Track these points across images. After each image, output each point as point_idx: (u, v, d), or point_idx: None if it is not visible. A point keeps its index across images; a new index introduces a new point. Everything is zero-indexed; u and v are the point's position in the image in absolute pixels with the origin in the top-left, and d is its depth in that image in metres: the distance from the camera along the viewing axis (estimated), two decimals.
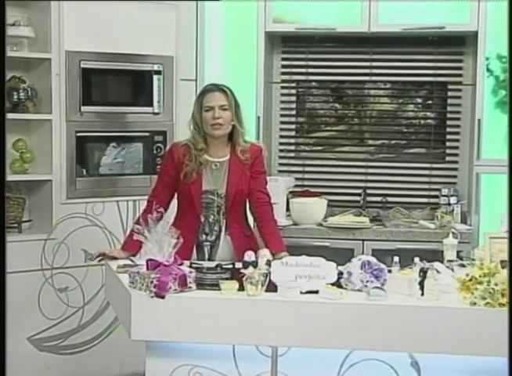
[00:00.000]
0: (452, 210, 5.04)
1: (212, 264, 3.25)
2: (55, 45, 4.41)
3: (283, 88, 5.58)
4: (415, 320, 2.86)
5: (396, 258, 3.30)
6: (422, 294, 2.92)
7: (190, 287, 2.98)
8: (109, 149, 4.67)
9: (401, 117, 5.48)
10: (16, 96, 4.40)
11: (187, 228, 3.44)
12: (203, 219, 3.65)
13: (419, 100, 5.46)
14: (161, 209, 3.20)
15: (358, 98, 5.56)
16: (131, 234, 3.39)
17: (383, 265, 3.09)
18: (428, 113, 5.43)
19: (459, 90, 5.32)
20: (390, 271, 3.16)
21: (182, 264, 3.07)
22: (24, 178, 4.51)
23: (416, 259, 3.20)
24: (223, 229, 3.66)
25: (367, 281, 3.02)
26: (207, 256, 3.67)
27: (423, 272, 2.94)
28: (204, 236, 3.66)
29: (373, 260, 3.09)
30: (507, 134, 4.13)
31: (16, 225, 4.48)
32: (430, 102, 5.44)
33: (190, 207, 3.63)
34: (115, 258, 3.54)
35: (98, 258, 3.62)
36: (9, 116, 4.33)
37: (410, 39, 5.25)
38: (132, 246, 3.47)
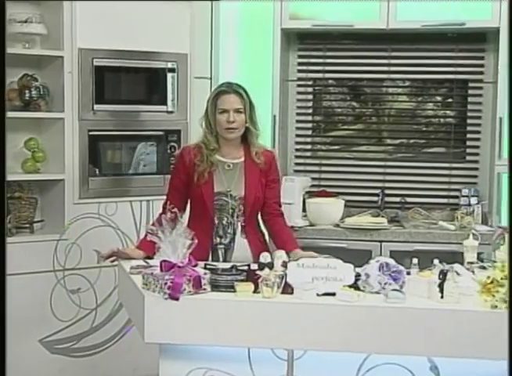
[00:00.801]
0: (473, 211, 5.03)
1: (227, 265, 3.25)
2: (67, 42, 4.43)
3: (299, 86, 5.58)
4: (434, 323, 2.85)
5: (415, 260, 3.29)
6: (442, 297, 2.91)
7: (205, 289, 2.99)
8: (122, 148, 4.68)
9: (420, 116, 5.47)
10: (27, 95, 4.41)
11: (201, 231, 3.39)
12: (216, 222, 3.65)
13: (438, 98, 5.45)
14: (175, 209, 3.19)
15: (376, 96, 5.55)
16: (146, 235, 3.39)
17: (401, 267, 3.08)
18: (448, 112, 5.42)
19: (480, 88, 5.31)
20: (408, 273, 3.15)
21: (196, 265, 3.07)
22: (36, 177, 4.53)
23: (436, 261, 3.19)
24: (238, 231, 3.66)
25: (385, 283, 3.01)
26: (221, 259, 3.67)
27: (443, 275, 2.93)
28: (218, 239, 3.67)
29: (392, 262, 3.09)
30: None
31: (27, 225, 4.51)
32: (450, 100, 5.43)
33: (203, 210, 3.63)
34: (129, 258, 3.54)
35: (110, 259, 3.63)
36: (21, 114, 4.38)
37: (430, 36, 5.24)
38: (148, 246, 3.47)
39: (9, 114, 4.26)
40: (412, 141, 5.49)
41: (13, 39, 4.37)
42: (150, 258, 3.51)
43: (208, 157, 3.63)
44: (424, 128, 5.45)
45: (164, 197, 3.74)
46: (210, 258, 3.64)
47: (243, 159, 3.66)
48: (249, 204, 3.62)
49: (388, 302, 2.90)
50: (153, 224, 3.38)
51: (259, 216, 3.76)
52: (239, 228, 3.65)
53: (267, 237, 3.81)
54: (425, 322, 2.85)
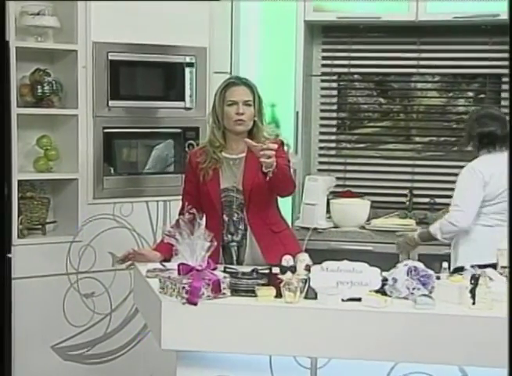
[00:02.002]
0: None
1: (247, 269, 3.26)
2: (81, 35, 4.44)
3: (323, 81, 5.57)
4: (465, 331, 2.84)
5: (445, 264, 3.28)
6: (473, 303, 2.90)
7: (224, 294, 2.99)
8: (138, 146, 4.70)
9: (450, 113, 5.45)
10: (40, 90, 4.43)
11: (211, 229, 3.40)
12: (226, 219, 3.68)
13: (470, 94, 5.43)
14: (193, 210, 3.20)
15: (405, 92, 5.54)
16: (163, 238, 3.42)
17: (431, 272, 3.07)
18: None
19: None
20: (438, 278, 3.14)
21: (215, 268, 3.08)
22: (49, 176, 4.56)
23: (467, 265, 3.18)
24: (248, 226, 3.68)
25: (414, 288, 3.01)
26: (234, 258, 3.69)
27: (475, 280, 2.92)
28: (230, 237, 3.69)
29: (420, 266, 3.08)
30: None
31: (39, 226, 4.53)
32: (482, 96, 5.40)
33: (212, 207, 3.67)
34: (145, 261, 3.56)
35: (127, 263, 3.65)
36: (33, 111, 4.40)
37: (461, 28, 5.22)
38: (165, 249, 3.48)
39: (21, 111, 4.30)
40: (442, 139, 5.47)
41: (25, 32, 4.40)
42: (167, 260, 3.52)
43: (212, 154, 3.67)
44: (455, 126, 5.43)
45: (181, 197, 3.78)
46: (221, 257, 3.66)
47: (245, 154, 3.68)
48: (246, 191, 3.63)
49: (417, 308, 2.89)
50: (171, 228, 3.44)
51: (276, 205, 3.77)
52: (247, 220, 3.67)
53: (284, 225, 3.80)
54: (456, 329, 2.84)
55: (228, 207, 3.67)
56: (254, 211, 3.67)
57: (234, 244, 3.69)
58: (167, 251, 3.47)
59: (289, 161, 3.75)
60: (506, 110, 5.27)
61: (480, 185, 4.19)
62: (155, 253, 3.62)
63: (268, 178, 3.43)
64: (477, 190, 4.20)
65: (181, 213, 3.66)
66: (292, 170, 3.82)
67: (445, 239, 4.29)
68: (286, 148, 3.77)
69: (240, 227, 3.69)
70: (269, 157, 3.34)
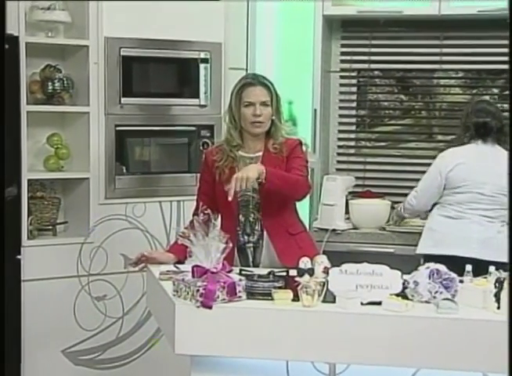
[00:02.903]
0: None
1: (264, 271, 3.26)
2: (93, 30, 4.46)
3: (342, 77, 5.57)
4: (490, 336, 2.83)
5: (469, 267, 3.27)
6: (498, 308, 2.90)
7: (240, 297, 3.00)
8: (151, 144, 4.71)
9: None
10: (50, 87, 4.45)
11: (227, 230, 3.35)
12: (243, 219, 3.69)
13: (495, 91, 5.40)
14: (208, 211, 3.20)
15: (427, 88, 5.52)
16: (177, 239, 3.44)
17: (454, 275, 3.07)
18: (506, 105, 5.36)
19: None
20: (461, 281, 3.13)
21: (230, 271, 3.09)
22: (59, 176, 4.58)
23: (492, 268, 3.17)
24: (264, 228, 3.68)
25: (436, 292, 3.00)
26: (250, 259, 3.69)
27: (500, 283, 2.92)
28: (246, 238, 3.70)
29: (443, 268, 3.07)
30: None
31: (50, 227, 4.55)
32: (507, 92, 5.37)
33: (227, 208, 3.65)
34: (158, 263, 3.57)
35: (139, 266, 3.66)
36: (43, 108, 4.42)
37: (486, 22, 5.19)
38: (179, 250, 3.49)
39: (31, 108, 4.32)
40: None
41: (35, 27, 4.42)
42: (182, 262, 3.53)
43: (229, 153, 3.68)
44: None
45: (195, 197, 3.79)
46: (236, 259, 3.67)
47: (262, 152, 3.69)
48: (263, 192, 3.61)
49: (439, 313, 2.89)
50: (185, 229, 3.44)
51: (293, 206, 3.77)
52: (263, 222, 3.67)
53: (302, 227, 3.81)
54: (479, 334, 2.84)
55: (244, 207, 3.68)
56: (270, 211, 3.67)
57: (250, 245, 3.70)
58: (181, 253, 3.48)
59: (306, 162, 3.75)
60: None
61: (439, 171, 4.43)
62: (168, 255, 3.63)
63: (263, 186, 3.48)
64: (435, 176, 4.44)
65: (195, 214, 3.66)
66: (309, 170, 3.81)
67: (409, 215, 4.79)
68: (304, 148, 3.77)
69: (257, 228, 3.69)
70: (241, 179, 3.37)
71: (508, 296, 2.83)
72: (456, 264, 4.15)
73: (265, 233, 3.68)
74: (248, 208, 3.68)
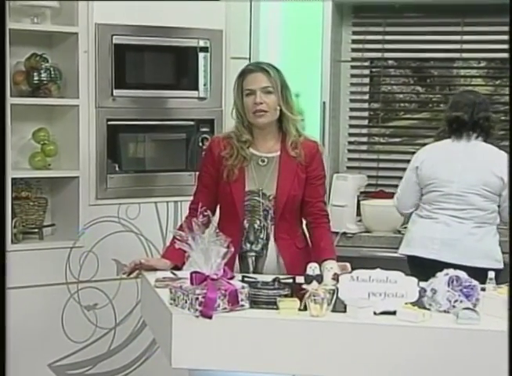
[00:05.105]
0: None
1: (268, 278, 3.26)
2: (82, 16, 4.46)
3: (353, 67, 5.59)
4: None
5: (491, 274, 3.27)
6: None
7: (242, 306, 3.00)
8: (146, 140, 4.72)
9: (497, 103, 5.44)
10: (36, 78, 4.46)
11: (228, 235, 3.29)
12: (247, 225, 3.67)
13: None
14: (208, 212, 3.21)
15: (446, 79, 5.54)
16: (173, 241, 3.42)
17: (475, 282, 3.07)
18: None
19: None
20: (483, 289, 3.14)
21: (232, 278, 3.09)
22: (46, 174, 4.58)
23: (491, 274, 3.18)
24: (271, 237, 3.67)
25: (455, 301, 3.01)
26: (251, 269, 3.68)
27: None
28: (249, 246, 3.68)
29: (463, 275, 3.08)
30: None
31: (36, 230, 4.55)
32: None
33: (232, 211, 3.65)
34: (153, 270, 3.57)
35: (133, 274, 3.66)
36: (29, 101, 4.42)
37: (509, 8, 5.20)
38: (175, 255, 3.49)
39: (15, 101, 4.32)
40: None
41: (20, 13, 4.42)
42: (179, 268, 3.54)
43: (239, 150, 3.65)
44: (503, 117, 5.41)
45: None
46: (237, 267, 3.66)
47: (279, 153, 3.68)
48: (280, 203, 3.62)
49: (459, 323, 2.89)
50: (179, 228, 3.47)
51: (300, 218, 3.78)
52: (273, 232, 3.67)
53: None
54: (502, 346, 2.83)
55: (250, 212, 3.65)
56: (282, 222, 3.66)
57: (252, 253, 3.68)
58: (177, 258, 3.49)
59: (324, 171, 3.77)
60: None
61: (411, 168, 4.55)
62: (165, 261, 3.62)
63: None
64: (409, 173, 4.56)
65: (191, 208, 3.71)
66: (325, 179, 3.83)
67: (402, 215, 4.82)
68: (322, 151, 3.77)
69: (261, 236, 3.67)
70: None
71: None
72: (416, 265, 4.23)
73: (272, 243, 3.66)
74: (254, 214, 3.65)
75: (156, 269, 3.56)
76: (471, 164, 4.34)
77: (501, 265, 4.23)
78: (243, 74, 3.67)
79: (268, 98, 3.60)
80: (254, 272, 3.64)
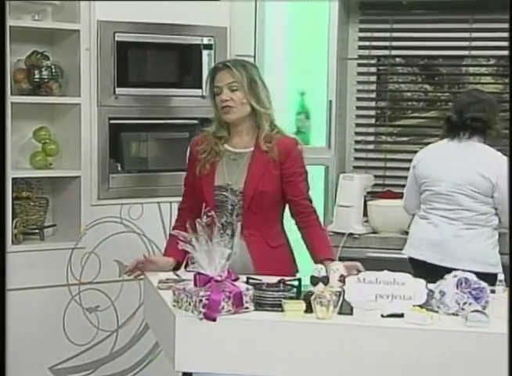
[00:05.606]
0: None
1: (273, 279, 3.26)
2: (84, 13, 4.47)
3: (360, 65, 5.58)
4: None
5: (501, 276, 3.26)
6: None
7: (247, 308, 3.00)
8: (149, 139, 4.72)
9: (507, 101, 5.41)
10: (37, 76, 4.46)
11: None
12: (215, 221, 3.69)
13: None
14: (212, 213, 3.20)
15: (454, 77, 5.53)
16: (172, 238, 3.50)
17: (484, 284, 3.07)
18: None
19: None
20: (493, 291, 3.13)
21: (237, 279, 3.09)
22: (47, 174, 4.59)
23: (501, 276, 3.18)
24: (237, 233, 3.67)
25: (464, 303, 3.00)
26: None
27: None
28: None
29: (472, 277, 3.07)
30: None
31: (37, 230, 4.56)
32: None
33: (203, 206, 3.67)
34: (155, 270, 3.58)
35: (135, 274, 3.67)
36: (29, 99, 4.43)
37: None
38: (176, 251, 3.47)
39: (16, 99, 4.33)
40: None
41: (20, 10, 4.43)
42: (180, 264, 3.56)
43: (213, 146, 3.71)
44: None
45: None
46: None
47: (252, 148, 3.70)
48: (247, 198, 3.63)
49: (468, 326, 2.89)
50: (173, 228, 3.61)
51: (279, 216, 3.77)
52: (239, 228, 3.66)
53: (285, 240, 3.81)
54: None
55: (218, 207, 3.66)
56: (251, 218, 3.66)
57: None
58: (179, 254, 3.51)
59: (304, 167, 3.75)
60: None
61: (411, 168, 4.60)
62: (167, 259, 3.65)
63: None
64: (410, 173, 4.62)
65: (179, 209, 3.80)
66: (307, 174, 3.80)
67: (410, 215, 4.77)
68: (300, 148, 3.75)
69: (227, 232, 3.66)
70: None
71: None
72: (414, 267, 4.25)
73: (237, 239, 3.64)
74: (222, 209, 3.67)
75: (158, 269, 3.58)
76: (459, 164, 4.36)
77: (495, 269, 4.17)
78: (211, 72, 3.73)
79: (233, 94, 3.64)
80: None
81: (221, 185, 3.67)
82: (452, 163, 4.38)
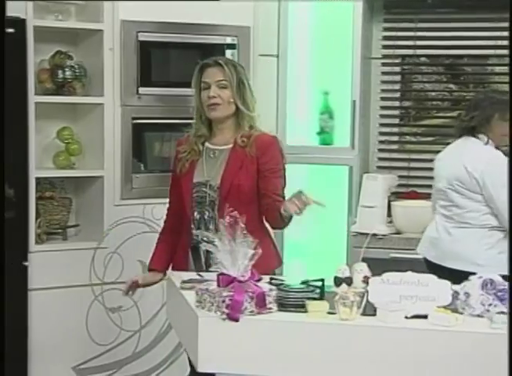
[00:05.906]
0: None
1: (296, 280, 3.26)
2: (107, 13, 4.49)
3: (384, 64, 5.56)
4: None
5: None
6: None
7: (270, 309, 3.00)
8: (171, 139, 4.72)
9: None
10: (61, 76, 4.48)
11: (180, 227, 3.60)
12: (198, 217, 3.71)
13: None
14: (235, 213, 3.19)
15: (480, 76, 5.50)
16: (158, 246, 3.79)
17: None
18: None
19: None
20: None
21: (259, 280, 3.09)
22: (70, 174, 4.62)
23: None
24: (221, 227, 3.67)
25: (490, 305, 2.99)
26: (203, 260, 3.69)
27: None
28: (200, 237, 3.70)
29: (498, 278, 3.06)
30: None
31: (60, 230, 4.58)
32: None
33: (182, 203, 3.73)
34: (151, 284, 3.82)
35: (131, 292, 3.89)
36: (53, 99, 4.45)
37: None
38: (159, 263, 3.75)
39: (39, 99, 4.36)
40: None
41: (44, 9, 4.45)
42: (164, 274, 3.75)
43: (193, 145, 3.73)
44: None
45: None
46: (190, 258, 3.71)
47: (231, 145, 3.71)
48: (224, 192, 3.65)
49: (493, 328, 2.88)
50: (162, 232, 3.80)
51: (256, 214, 3.76)
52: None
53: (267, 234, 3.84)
54: None
55: (200, 203, 3.70)
56: (228, 213, 3.67)
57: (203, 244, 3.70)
58: (162, 265, 3.76)
59: (283, 164, 3.74)
60: None
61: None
62: (152, 275, 3.81)
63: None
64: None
65: (167, 210, 3.88)
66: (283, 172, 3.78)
67: None
68: (279, 145, 3.74)
69: (211, 227, 3.69)
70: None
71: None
72: (418, 265, 4.25)
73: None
74: (203, 205, 3.70)
75: (152, 283, 3.82)
76: (452, 160, 4.34)
77: (484, 270, 4.12)
78: (201, 68, 3.73)
79: (222, 92, 3.66)
80: (205, 263, 3.65)
81: (201, 181, 3.70)
82: (448, 160, 4.39)
